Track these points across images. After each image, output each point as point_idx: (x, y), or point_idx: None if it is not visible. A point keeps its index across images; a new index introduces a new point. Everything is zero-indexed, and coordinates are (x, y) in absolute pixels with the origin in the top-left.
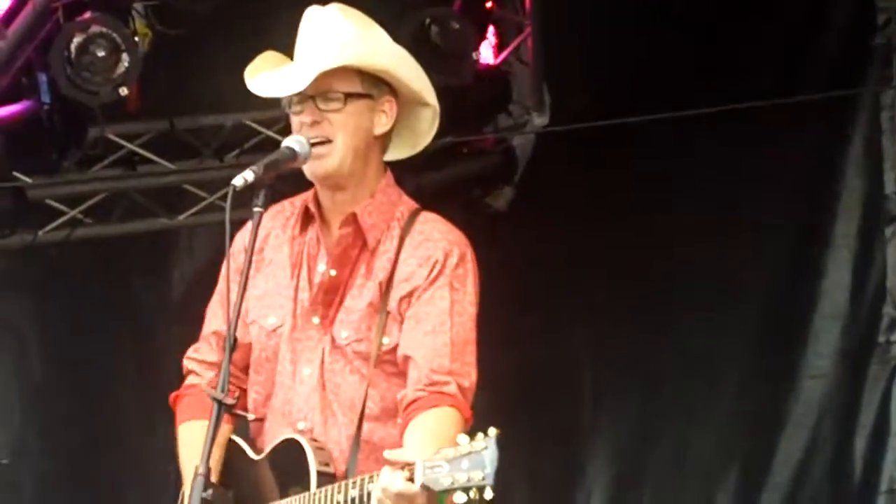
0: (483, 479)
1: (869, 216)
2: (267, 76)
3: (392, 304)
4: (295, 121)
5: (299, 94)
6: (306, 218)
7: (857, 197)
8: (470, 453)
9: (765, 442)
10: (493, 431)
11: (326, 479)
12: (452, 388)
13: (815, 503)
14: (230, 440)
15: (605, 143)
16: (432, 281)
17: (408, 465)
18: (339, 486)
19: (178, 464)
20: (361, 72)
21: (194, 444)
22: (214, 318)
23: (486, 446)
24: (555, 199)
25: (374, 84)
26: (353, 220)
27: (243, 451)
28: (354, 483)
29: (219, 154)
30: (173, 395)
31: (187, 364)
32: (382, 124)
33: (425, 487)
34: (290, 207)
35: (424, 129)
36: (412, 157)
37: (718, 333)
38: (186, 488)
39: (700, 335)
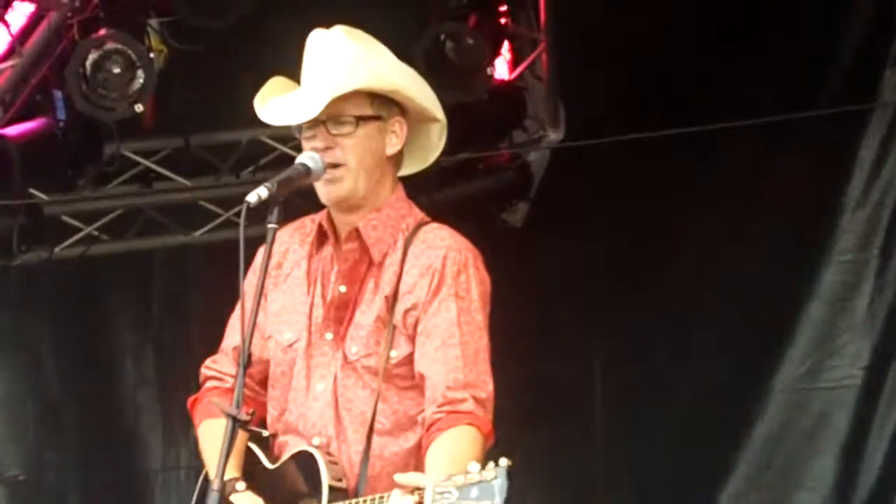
0: None
1: (890, 228)
2: (277, 102)
3: (398, 317)
4: (306, 145)
5: (310, 119)
6: (321, 236)
7: (875, 208)
8: (480, 482)
9: (778, 453)
10: (503, 462)
11: (338, 494)
12: (469, 405)
13: None
14: (247, 447)
15: (621, 158)
16: (435, 292)
17: (417, 490)
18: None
19: (203, 462)
20: (371, 93)
21: (214, 439)
22: (233, 333)
23: (496, 476)
24: (570, 214)
25: (384, 105)
26: (356, 235)
27: (258, 460)
28: (365, 502)
29: (234, 170)
30: (191, 399)
31: (205, 372)
32: (393, 144)
33: None
34: (309, 224)
35: (434, 144)
36: (427, 173)
37: (734, 347)
38: (214, 484)
39: (715, 348)
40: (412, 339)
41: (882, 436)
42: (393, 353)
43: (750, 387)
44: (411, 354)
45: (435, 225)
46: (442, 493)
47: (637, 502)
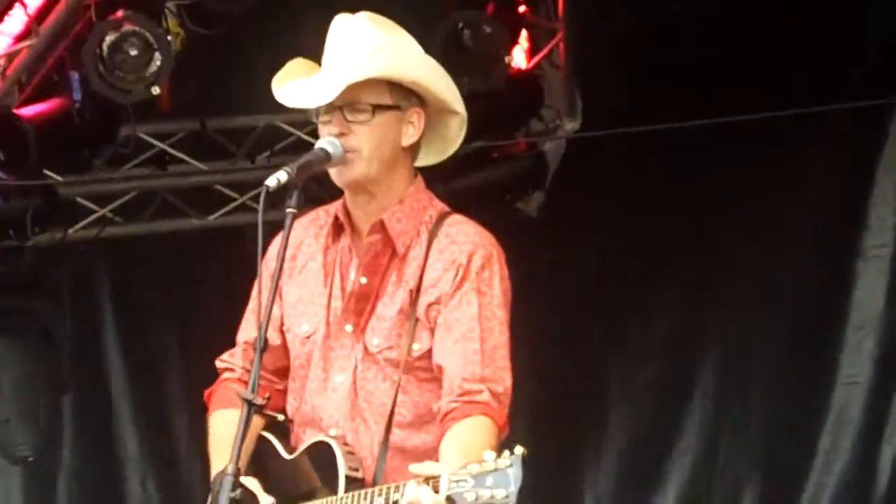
0: (506, 497)
1: None
2: (295, 84)
3: (420, 310)
4: (323, 130)
5: (327, 104)
6: (337, 227)
7: (892, 206)
8: (495, 470)
9: (793, 449)
10: (519, 450)
11: (355, 484)
12: (485, 396)
13: None
14: (262, 436)
15: (637, 148)
16: (458, 286)
17: (433, 479)
18: (366, 494)
19: (208, 453)
20: (390, 82)
21: (223, 434)
22: (248, 326)
23: (511, 464)
24: (586, 205)
25: (403, 95)
26: (380, 227)
27: (275, 449)
28: (381, 491)
29: (250, 155)
30: (207, 392)
31: (220, 364)
32: (410, 135)
33: (450, 500)
34: (324, 216)
35: (453, 136)
36: (442, 161)
37: (750, 340)
38: (229, 468)
39: (732, 342)
40: (434, 332)
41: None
42: (415, 346)
43: (768, 383)
44: (433, 348)
45: (458, 217)
46: (457, 481)
47: (649, 497)
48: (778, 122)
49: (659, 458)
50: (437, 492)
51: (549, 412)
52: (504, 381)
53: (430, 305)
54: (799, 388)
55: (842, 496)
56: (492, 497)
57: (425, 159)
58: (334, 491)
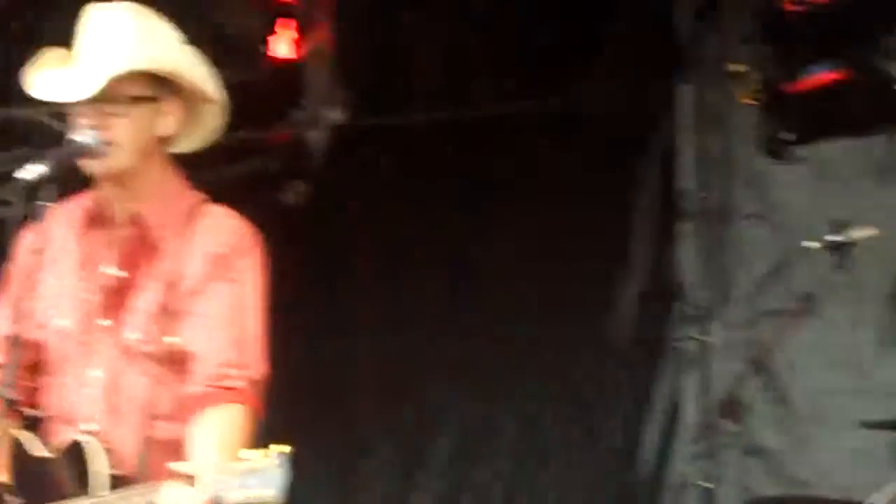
0: (271, 497)
1: (665, 213)
2: (50, 76)
3: (178, 302)
4: (79, 122)
5: None
6: (91, 219)
7: (655, 193)
8: (259, 469)
9: (570, 433)
10: (283, 449)
11: (116, 481)
12: (239, 383)
13: (600, 495)
14: (14, 435)
15: (404, 139)
16: (214, 276)
17: (194, 478)
18: (125, 494)
19: None
20: (148, 74)
21: None
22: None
23: (277, 463)
24: (349, 195)
25: (160, 85)
26: (137, 219)
27: (29, 448)
28: (140, 492)
29: (6, 146)
30: None
31: None
32: (167, 126)
33: (213, 501)
34: (77, 206)
35: (212, 125)
36: (203, 152)
37: (536, 327)
38: None
39: (518, 329)
40: (190, 323)
41: (656, 418)
42: (172, 339)
43: (549, 371)
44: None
45: (216, 208)
46: (220, 481)
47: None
48: (546, 113)
49: (403, 439)
50: (197, 492)
51: (314, 404)
52: (260, 367)
53: (186, 296)
54: (574, 378)
55: (600, 481)
56: (257, 497)
57: (186, 145)
58: (93, 490)
